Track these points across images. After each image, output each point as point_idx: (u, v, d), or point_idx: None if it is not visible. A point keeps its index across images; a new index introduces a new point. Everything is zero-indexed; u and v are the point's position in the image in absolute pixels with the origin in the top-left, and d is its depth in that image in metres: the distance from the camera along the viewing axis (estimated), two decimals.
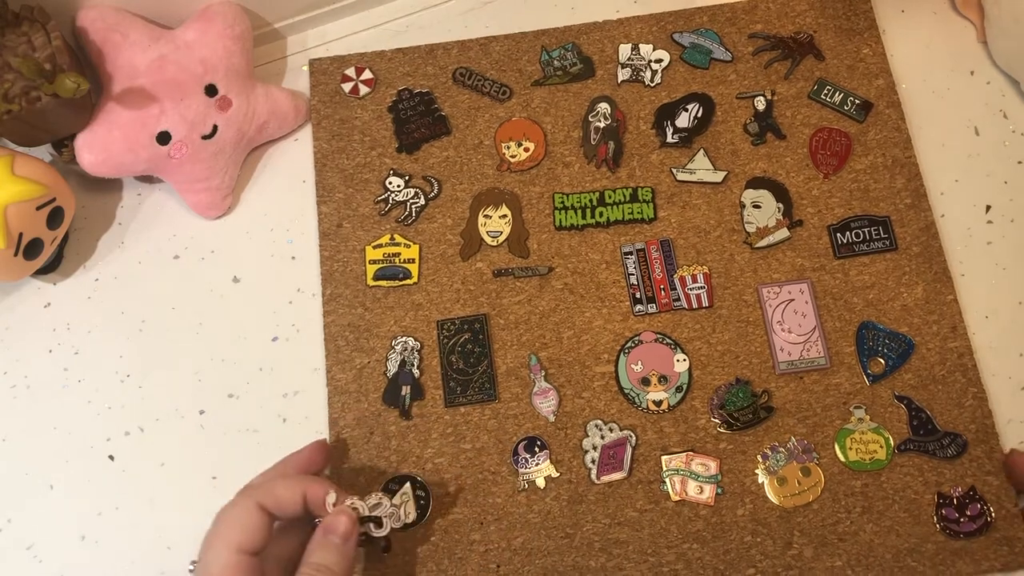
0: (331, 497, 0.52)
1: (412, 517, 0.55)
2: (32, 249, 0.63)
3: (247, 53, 0.70)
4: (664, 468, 0.62)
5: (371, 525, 0.53)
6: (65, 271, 0.70)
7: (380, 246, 0.69)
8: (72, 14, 0.66)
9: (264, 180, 0.73)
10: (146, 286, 0.70)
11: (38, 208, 0.62)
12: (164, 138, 0.66)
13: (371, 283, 0.68)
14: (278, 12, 0.74)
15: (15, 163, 0.62)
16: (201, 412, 0.66)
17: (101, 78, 0.67)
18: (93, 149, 0.65)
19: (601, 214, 0.69)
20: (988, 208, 0.69)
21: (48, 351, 0.68)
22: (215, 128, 0.68)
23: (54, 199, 0.64)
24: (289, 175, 0.73)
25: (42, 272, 0.69)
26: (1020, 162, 0.71)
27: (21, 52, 0.61)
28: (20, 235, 0.62)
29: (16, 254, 0.62)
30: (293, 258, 0.70)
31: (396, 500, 0.55)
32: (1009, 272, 0.68)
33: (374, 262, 0.68)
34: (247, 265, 0.70)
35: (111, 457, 0.65)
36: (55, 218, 0.64)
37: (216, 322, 0.69)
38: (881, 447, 0.62)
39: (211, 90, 0.68)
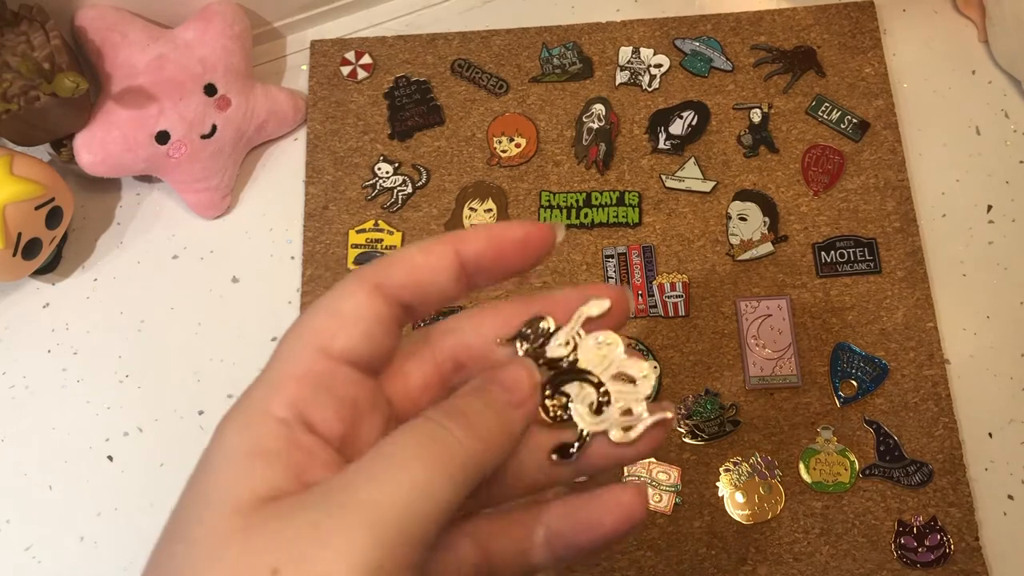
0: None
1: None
2: (31, 249, 0.63)
3: (246, 52, 0.70)
4: (625, 473, 0.62)
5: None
6: (64, 271, 0.70)
7: (363, 231, 0.69)
8: (71, 13, 0.66)
9: (263, 180, 0.73)
10: (145, 286, 0.69)
11: (37, 208, 0.62)
12: (163, 137, 0.66)
13: (351, 267, 0.68)
14: (278, 11, 0.74)
15: (14, 163, 0.62)
16: (200, 412, 0.66)
17: (100, 78, 0.67)
18: (92, 149, 0.65)
19: (586, 215, 0.69)
20: (989, 208, 0.69)
21: (47, 351, 0.68)
22: (214, 128, 0.67)
23: (53, 199, 0.63)
24: (288, 175, 0.72)
25: (41, 272, 0.69)
26: (1021, 162, 0.70)
27: (20, 51, 0.61)
28: (19, 235, 0.62)
29: (15, 254, 0.62)
30: (293, 258, 0.70)
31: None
32: (1010, 272, 0.67)
33: (356, 246, 0.69)
34: (247, 265, 0.70)
35: (110, 457, 0.65)
36: (54, 218, 0.64)
37: (216, 322, 0.68)
38: (845, 470, 0.62)
39: (210, 89, 0.67)
